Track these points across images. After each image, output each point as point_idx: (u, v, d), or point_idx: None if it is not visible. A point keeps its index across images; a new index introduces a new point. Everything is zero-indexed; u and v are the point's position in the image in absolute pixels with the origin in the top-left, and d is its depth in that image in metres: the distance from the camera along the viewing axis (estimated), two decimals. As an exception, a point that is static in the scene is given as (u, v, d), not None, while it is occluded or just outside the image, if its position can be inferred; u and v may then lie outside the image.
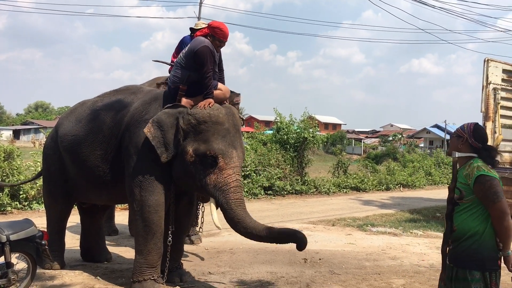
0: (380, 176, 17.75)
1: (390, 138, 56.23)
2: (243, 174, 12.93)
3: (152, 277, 4.44)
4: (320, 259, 6.09)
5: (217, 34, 4.59)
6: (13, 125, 61.73)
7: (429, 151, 30.40)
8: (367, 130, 78.69)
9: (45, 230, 4.54)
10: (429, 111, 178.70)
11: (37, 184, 9.61)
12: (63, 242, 5.47)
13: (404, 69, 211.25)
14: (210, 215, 4.46)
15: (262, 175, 13.40)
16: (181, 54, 4.70)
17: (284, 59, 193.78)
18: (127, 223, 7.54)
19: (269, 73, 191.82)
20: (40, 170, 6.66)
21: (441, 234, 2.99)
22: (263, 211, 10.52)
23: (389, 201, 13.68)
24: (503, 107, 8.86)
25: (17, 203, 9.33)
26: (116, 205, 8.15)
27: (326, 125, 67.90)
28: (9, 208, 9.06)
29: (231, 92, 4.97)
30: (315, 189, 14.58)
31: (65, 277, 4.97)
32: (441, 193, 16.29)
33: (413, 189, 18.00)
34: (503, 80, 8.89)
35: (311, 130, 15.23)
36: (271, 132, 17.66)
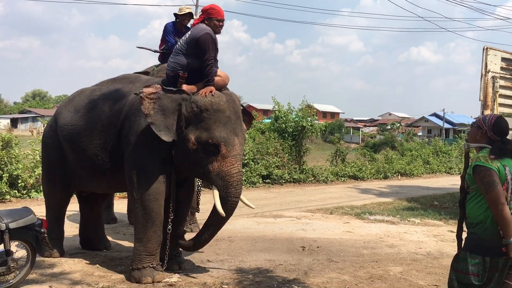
0: (378, 165, 17.79)
1: (388, 127, 56.31)
2: (241, 162, 12.96)
3: (151, 264, 4.47)
4: (318, 247, 6.13)
5: (212, 15, 4.56)
6: (10, 113, 61.63)
7: (427, 139, 30.43)
8: (365, 118, 78.71)
9: (44, 218, 4.55)
10: (427, 99, 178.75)
11: (36, 173, 9.62)
12: (62, 230, 5.49)
13: (403, 57, 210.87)
14: (214, 201, 4.46)
15: (260, 163, 13.42)
16: (180, 40, 4.67)
17: (282, 47, 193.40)
18: (126, 212, 7.57)
19: (267, 61, 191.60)
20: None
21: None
22: (261, 199, 10.55)
23: (387, 189, 13.73)
24: (501, 96, 8.85)
25: (16, 191, 9.34)
26: (115, 193, 8.16)
27: (324, 114, 67.84)
28: (7, 197, 9.07)
29: None
30: (313, 178, 14.62)
31: (64, 264, 5.00)
32: (439, 182, 16.39)
33: (411, 177, 18.06)
34: (502, 68, 8.87)
35: (309, 118, 15.22)
36: (269, 120, 17.66)
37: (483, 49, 8.78)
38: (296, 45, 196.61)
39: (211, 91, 4.41)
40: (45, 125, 6.11)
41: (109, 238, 6.00)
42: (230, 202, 4.44)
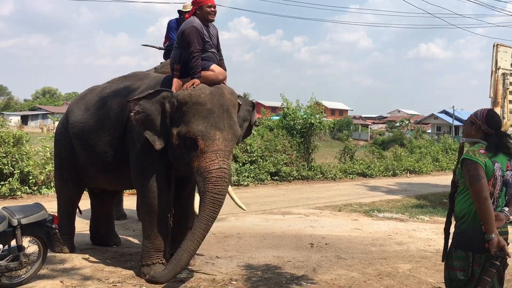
0: (386, 162, 17.74)
1: (397, 124, 56.03)
2: (249, 160, 12.99)
3: (161, 260, 4.50)
4: (326, 244, 6.13)
5: (202, 2, 4.44)
6: (21, 110, 62.11)
7: (436, 137, 30.24)
8: (374, 116, 78.36)
9: (55, 214, 4.60)
10: (437, 96, 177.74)
11: (46, 169, 9.73)
12: (73, 226, 5.55)
13: (412, 54, 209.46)
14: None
15: (269, 160, 13.44)
16: (176, 35, 4.69)
17: (290, 45, 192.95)
18: (135, 208, 7.62)
19: (275, 58, 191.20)
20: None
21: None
22: (270, 196, 10.58)
23: (395, 187, 13.69)
24: (512, 93, 8.79)
25: (27, 187, 9.46)
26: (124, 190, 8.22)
27: (332, 111, 67.63)
28: (19, 193, 9.18)
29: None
30: (321, 175, 14.61)
31: (75, 260, 5.06)
32: (448, 179, 16.11)
33: (420, 175, 17.97)
34: (512, 65, 8.80)
35: (317, 116, 15.20)
36: (277, 117, 17.66)
37: (493, 45, 8.72)
38: (304, 42, 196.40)
39: (193, 84, 4.27)
40: (55, 122, 6.17)
41: (119, 234, 6.06)
42: (208, 200, 4.07)
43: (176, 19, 6.22)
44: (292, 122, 15.16)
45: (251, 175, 12.71)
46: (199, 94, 4.22)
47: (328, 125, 16.26)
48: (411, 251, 5.94)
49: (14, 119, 43.30)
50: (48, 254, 4.56)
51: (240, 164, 12.73)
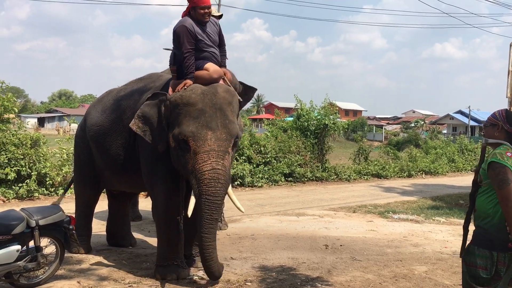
0: (401, 163, 17.59)
1: (412, 125, 55.63)
2: (263, 161, 12.99)
3: (175, 262, 4.52)
4: (341, 245, 6.11)
5: (195, 3, 4.35)
6: (38, 113, 63.02)
7: (452, 137, 29.91)
8: (388, 116, 77.88)
9: (72, 215, 4.66)
10: (452, 97, 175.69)
11: (63, 171, 9.87)
12: (90, 227, 5.62)
13: (426, 54, 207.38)
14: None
15: (283, 162, 13.42)
16: None
17: (304, 45, 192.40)
18: (150, 209, 7.67)
19: (288, 59, 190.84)
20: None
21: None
22: (284, 197, 10.56)
23: (411, 188, 13.56)
24: (529, 93, 8.66)
25: (44, 189, 9.57)
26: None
27: (346, 112, 67.39)
28: (36, 194, 9.31)
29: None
30: (335, 176, 14.54)
31: (91, 261, 5.12)
32: (465, 180, 16.07)
33: (435, 176, 17.79)
34: (529, 64, 8.67)
35: (331, 116, 15.13)
36: (291, 119, 17.62)
37: (510, 45, 8.61)
38: (318, 43, 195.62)
39: (185, 85, 4.20)
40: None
41: (135, 235, 6.11)
42: (203, 203, 4.00)
43: None
44: (306, 123, 15.12)
45: (265, 176, 12.71)
46: (190, 95, 4.14)
47: (342, 126, 16.16)
48: (427, 253, 5.88)
49: (31, 121, 43.91)
50: (65, 255, 4.62)
51: (254, 166, 12.74)
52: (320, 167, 14.51)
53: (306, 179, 13.68)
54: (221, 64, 4.56)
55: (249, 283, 4.47)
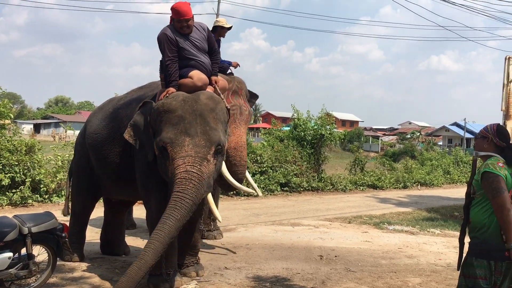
0: (397, 174, 17.61)
1: (408, 136, 55.66)
2: (259, 170, 12.97)
3: (169, 271, 4.49)
4: (336, 256, 6.09)
5: (173, 15, 4.37)
6: (34, 119, 62.88)
7: (448, 149, 29.97)
8: (384, 127, 78.08)
9: (65, 223, 4.63)
10: (448, 109, 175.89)
11: (57, 178, 9.80)
12: (83, 235, 5.59)
13: (423, 66, 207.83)
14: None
15: (279, 171, 13.41)
16: None
17: (301, 56, 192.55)
18: (145, 217, 7.63)
19: (286, 69, 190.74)
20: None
21: (459, 234, 3.18)
22: (279, 207, 10.54)
23: (406, 199, 13.57)
24: (524, 106, 8.70)
25: (38, 196, 9.51)
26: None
27: (343, 122, 67.49)
28: (30, 201, 9.24)
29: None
30: (331, 186, 14.53)
31: (84, 269, 5.08)
32: (460, 192, 16.04)
33: (431, 187, 17.80)
34: (525, 78, 8.72)
35: (328, 127, 15.16)
36: (288, 128, 17.64)
37: (505, 58, 8.67)
38: (315, 53, 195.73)
39: (167, 93, 4.21)
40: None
41: (128, 243, 6.07)
42: (171, 198, 3.92)
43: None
44: (302, 133, 15.13)
45: (261, 186, 12.67)
46: (171, 102, 4.13)
47: (339, 136, 16.18)
48: (422, 264, 5.87)
49: (27, 127, 43.79)
50: (58, 263, 4.59)
51: (250, 175, 12.69)
52: (316, 177, 14.49)
53: (302, 189, 13.66)
54: (212, 72, 4.56)
55: (243, 294, 4.44)
